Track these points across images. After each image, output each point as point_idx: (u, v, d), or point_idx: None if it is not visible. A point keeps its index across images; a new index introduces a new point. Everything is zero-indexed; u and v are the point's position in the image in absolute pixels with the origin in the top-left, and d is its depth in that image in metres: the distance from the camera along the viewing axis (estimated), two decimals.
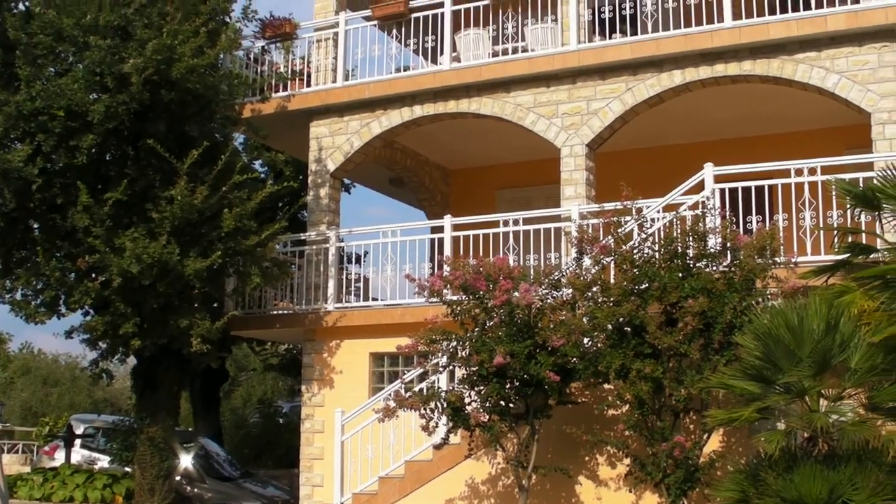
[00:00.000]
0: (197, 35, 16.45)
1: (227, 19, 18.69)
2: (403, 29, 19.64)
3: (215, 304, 18.58)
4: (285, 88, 20.05)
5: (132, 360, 18.37)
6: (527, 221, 16.92)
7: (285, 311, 19.28)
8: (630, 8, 17.79)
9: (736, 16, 16.82)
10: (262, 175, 25.33)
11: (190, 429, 27.01)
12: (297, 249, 19.44)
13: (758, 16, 16.87)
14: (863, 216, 12.96)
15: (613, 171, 17.36)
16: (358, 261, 23.31)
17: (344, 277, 19.49)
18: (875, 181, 12.37)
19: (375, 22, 19.98)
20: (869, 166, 14.87)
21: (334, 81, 19.85)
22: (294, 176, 25.47)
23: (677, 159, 18.97)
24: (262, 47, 20.72)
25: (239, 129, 19.12)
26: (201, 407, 26.47)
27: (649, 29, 17.53)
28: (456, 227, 17.59)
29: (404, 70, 20.31)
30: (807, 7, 16.58)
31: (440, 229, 17.84)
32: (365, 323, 18.22)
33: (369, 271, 19.27)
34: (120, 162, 16.53)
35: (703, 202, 14.60)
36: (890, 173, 11.98)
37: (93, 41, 15.63)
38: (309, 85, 20.15)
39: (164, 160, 15.95)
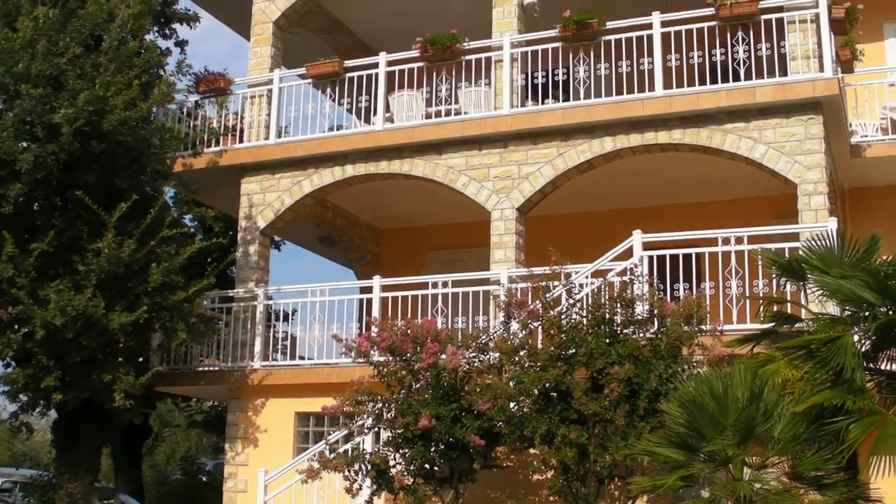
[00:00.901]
0: (130, 87, 16.39)
1: (162, 72, 18.60)
2: (338, 88, 19.65)
3: (140, 359, 18.32)
4: (218, 144, 19.96)
5: (53, 414, 18.06)
6: (456, 284, 16.95)
7: (211, 368, 19.07)
8: (563, 74, 17.97)
9: (667, 85, 17.07)
10: (192, 230, 25.19)
11: (110, 485, 26.51)
12: (225, 306, 19.25)
13: (688, 86, 17.12)
14: (788, 286, 13.12)
15: (544, 235, 17.41)
16: (286, 318, 23.16)
17: (271, 335, 19.33)
18: (800, 252, 12.54)
19: (310, 80, 19.98)
20: (795, 236, 15.12)
21: (267, 138, 19.79)
22: (224, 232, 25.34)
23: (607, 225, 19.10)
24: (196, 102, 20.65)
25: (169, 183, 18.95)
26: (123, 463, 25.99)
27: (581, 95, 17.72)
28: (385, 288, 17.56)
29: (338, 129, 20.31)
30: (736, 78, 16.86)
31: (369, 289, 17.79)
32: (291, 382, 18.06)
33: (297, 329, 19.18)
34: (47, 212, 16.35)
35: (632, 269, 14.71)
36: (815, 244, 12.15)
37: (24, 90, 15.49)
38: (241, 141, 20.06)
39: (93, 212, 15.79)
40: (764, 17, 16.89)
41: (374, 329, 14.65)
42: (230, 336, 18.93)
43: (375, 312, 17.15)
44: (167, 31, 23.55)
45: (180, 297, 16.70)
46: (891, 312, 10.78)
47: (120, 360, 16.73)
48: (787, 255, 13.53)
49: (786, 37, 16.89)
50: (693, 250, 15.44)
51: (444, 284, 16.98)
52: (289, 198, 19.38)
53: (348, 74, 19.43)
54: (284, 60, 21.11)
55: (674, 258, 15.34)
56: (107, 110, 15.80)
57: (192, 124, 20.46)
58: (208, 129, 20.10)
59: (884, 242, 11.97)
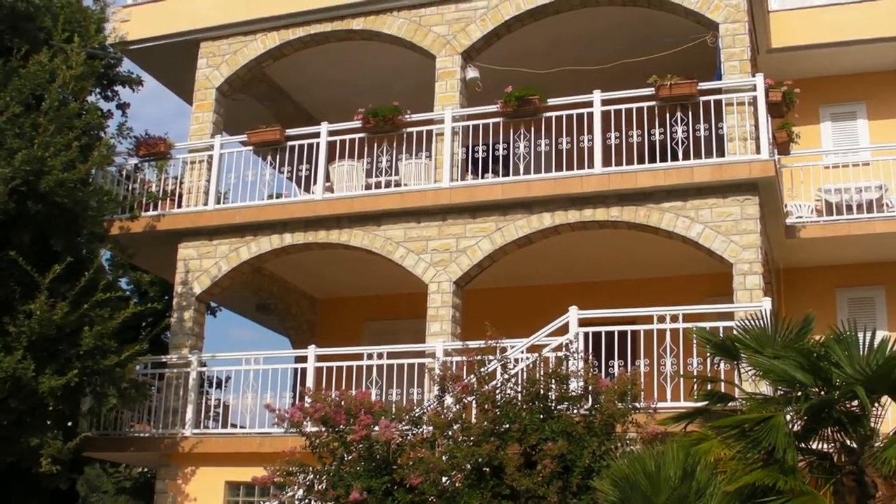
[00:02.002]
0: (69, 149, 16.27)
1: (102, 134, 18.53)
2: (279, 156, 19.64)
3: (69, 423, 18.02)
4: (156, 208, 19.80)
5: None
6: (391, 355, 16.89)
7: (141, 434, 18.79)
8: (503, 149, 18.08)
9: (606, 162, 17.24)
10: (127, 294, 24.94)
11: None
12: (158, 371, 19.03)
13: (627, 164, 17.29)
14: (722, 365, 13.16)
15: (481, 308, 17.46)
16: (220, 385, 22.93)
17: (204, 402, 19.11)
18: (734, 331, 12.60)
19: (251, 147, 19.96)
20: (730, 315, 15.22)
21: (206, 204, 19.68)
22: (159, 297, 25.10)
23: (544, 300, 19.11)
24: (136, 165, 20.50)
25: (105, 246, 18.76)
26: None
27: (521, 171, 17.83)
28: (320, 358, 17.45)
29: (277, 197, 20.26)
30: (674, 158, 17.06)
31: (304, 359, 17.66)
32: (222, 450, 17.82)
33: (230, 397, 18.98)
34: None
35: (567, 344, 14.71)
36: (749, 324, 12.22)
37: None
38: (180, 206, 19.92)
39: (26, 273, 15.57)
40: (703, 98, 17.16)
41: (307, 399, 14.50)
42: (162, 402, 18.68)
43: (310, 382, 17.02)
44: (109, 94, 23.59)
45: (112, 361, 16.46)
46: (823, 393, 10.83)
47: (48, 423, 16.44)
48: (721, 334, 13.59)
49: (724, 118, 17.15)
50: (629, 327, 15.51)
51: (380, 356, 16.91)
52: (226, 264, 19.26)
53: (289, 143, 19.43)
54: (227, 126, 21.13)
55: (609, 335, 15.39)
56: (45, 171, 15.67)
57: (130, 187, 20.31)
58: (147, 192, 19.96)
59: (817, 323, 12.06)
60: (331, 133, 19.10)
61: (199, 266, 19.44)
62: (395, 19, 19.73)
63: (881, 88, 21.21)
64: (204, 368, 19.15)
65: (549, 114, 17.82)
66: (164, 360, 19.14)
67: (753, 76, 17.23)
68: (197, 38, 21.20)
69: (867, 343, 10.68)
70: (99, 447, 18.92)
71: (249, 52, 20.80)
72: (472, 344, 14.93)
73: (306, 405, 14.27)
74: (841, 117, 21.39)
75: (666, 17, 18.55)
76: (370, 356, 17.02)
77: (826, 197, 19.59)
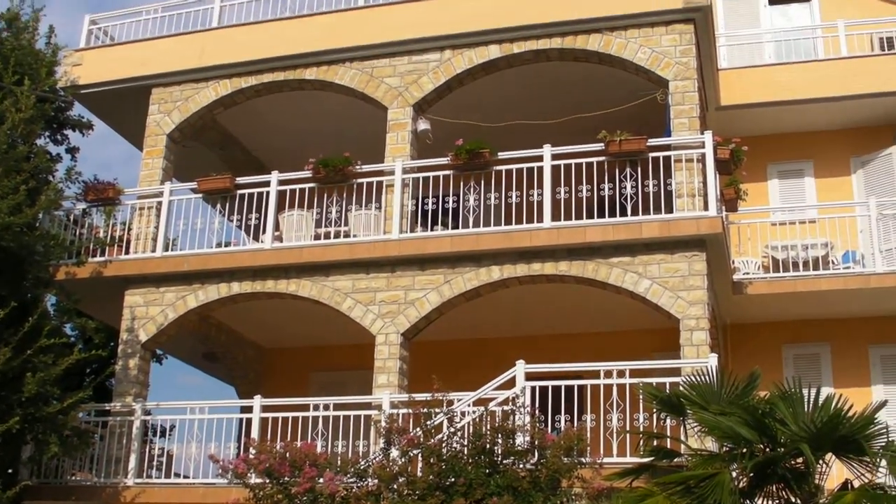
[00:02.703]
0: (17, 192, 16.14)
1: (50, 178, 18.39)
2: (228, 204, 19.57)
3: (9, 471, 17.73)
4: (103, 254, 19.61)
5: None
6: (337, 407, 16.78)
7: (83, 483, 18.51)
8: (453, 202, 18.11)
9: (555, 217, 17.31)
10: (72, 340, 24.65)
11: None
12: (101, 419, 18.77)
13: (576, 218, 17.40)
14: (668, 420, 13.20)
15: (429, 361, 17.39)
16: (164, 434, 22.69)
17: (147, 451, 18.88)
18: (681, 387, 12.65)
19: (201, 195, 19.87)
20: (676, 371, 15.29)
21: (154, 251, 19.52)
22: (104, 343, 24.85)
23: (492, 353, 19.12)
24: (84, 210, 20.31)
25: (51, 291, 18.59)
26: None
27: (470, 224, 17.87)
28: (266, 408, 17.31)
29: (226, 245, 20.16)
30: (623, 213, 17.16)
31: (250, 409, 17.51)
32: (165, 500, 17.55)
33: (174, 446, 18.76)
34: None
35: (514, 399, 14.71)
36: (695, 380, 12.27)
37: None
38: (128, 252, 19.76)
39: None
40: (652, 154, 17.29)
41: (252, 450, 14.39)
42: (105, 450, 18.41)
43: (255, 433, 16.87)
44: (59, 137, 23.43)
45: (55, 408, 16.27)
46: (768, 450, 10.90)
47: None
48: (667, 390, 13.63)
49: (672, 174, 17.28)
50: (575, 382, 15.51)
51: (326, 407, 16.81)
52: (172, 312, 19.09)
53: (240, 191, 19.35)
54: (177, 172, 21.04)
55: (556, 389, 15.38)
56: None
57: (78, 232, 20.12)
58: (94, 238, 19.79)
59: (763, 379, 12.15)
60: (281, 182, 19.07)
61: (146, 313, 19.27)
62: (347, 70, 19.79)
63: (827, 147, 21.53)
64: (148, 417, 18.96)
65: (499, 167, 17.90)
66: (107, 407, 18.88)
67: (702, 133, 17.38)
68: (149, 84, 21.14)
69: (812, 400, 10.78)
70: (39, 496, 18.55)
71: (201, 100, 20.76)
72: (419, 396, 14.89)
73: (251, 456, 14.17)
74: (788, 175, 21.66)
75: (617, 74, 18.73)
76: (316, 407, 16.90)
77: (773, 254, 19.79)
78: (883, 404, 11.23)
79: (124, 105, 21.47)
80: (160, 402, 19.10)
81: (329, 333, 20.83)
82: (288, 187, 19.02)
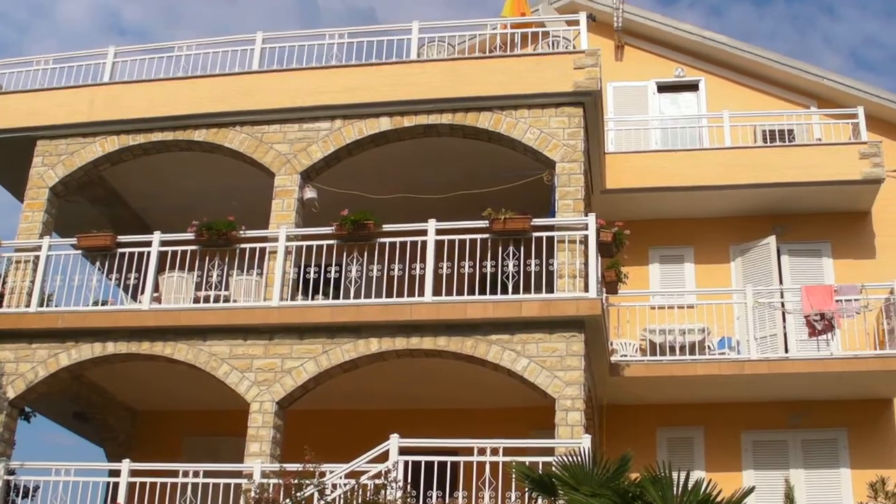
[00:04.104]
0: None
1: None
2: (108, 262, 19.24)
3: None
4: None
5: None
6: (208, 474, 16.47)
7: None
8: (335, 272, 18.05)
9: (437, 292, 17.31)
10: None
11: None
12: None
13: (458, 294, 17.40)
14: (540, 500, 13.20)
15: (304, 430, 17.25)
16: (27, 495, 22.04)
17: None
18: (553, 467, 12.67)
19: (81, 251, 19.53)
20: (551, 451, 15.31)
21: (28, 306, 19.06)
22: None
23: (368, 425, 18.97)
24: None
25: None
26: None
27: (352, 295, 17.80)
28: (135, 473, 16.93)
29: (103, 304, 19.78)
30: (504, 291, 17.22)
31: (118, 472, 17.11)
32: None
33: None
34: None
35: (386, 472, 14.63)
36: (568, 460, 12.30)
37: None
38: (0, 306, 19.33)
39: None
40: (535, 234, 17.43)
41: None
42: None
43: (121, 498, 16.48)
44: None
45: None
46: None
47: None
48: (540, 470, 13.66)
49: (555, 255, 17.43)
50: (449, 458, 15.46)
51: (196, 474, 16.48)
52: (44, 370, 18.64)
53: (120, 249, 19.04)
54: (58, 227, 20.63)
55: (430, 464, 15.32)
56: None
57: None
58: None
59: (637, 462, 12.21)
60: (163, 243, 18.82)
61: (16, 370, 18.77)
62: (237, 134, 19.69)
63: (707, 234, 21.97)
64: (12, 477, 18.41)
65: (383, 239, 17.90)
66: None
67: (586, 215, 17.58)
68: (34, 136, 20.72)
69: (682, 484, 10.85)
70: None
71: (88, 155, 20.44)
72: (290, 467, 14.73)
73: None
74: (669, 260, 22.03)
75: (505, 152, 18.89)
76: (186, 474, 16.56)
77: (651, 337, 20.05)
78: (751, 490, 11.38)
79: (6, 156, 21.06)
80: (25, 461, 18.57)
81: (205, 398, 20.47)
82: (170, 248, 18.77)
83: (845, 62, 64.32)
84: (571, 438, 15.78)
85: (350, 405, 20.47)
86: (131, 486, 16.82)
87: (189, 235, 18.66)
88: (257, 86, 19.93)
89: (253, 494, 14.22)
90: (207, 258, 18.75)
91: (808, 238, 21.87)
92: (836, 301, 19.31)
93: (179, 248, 18.70)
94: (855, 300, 19.41)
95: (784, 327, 20.44)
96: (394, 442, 15.32)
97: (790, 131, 22.82)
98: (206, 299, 18.71)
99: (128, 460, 17.21)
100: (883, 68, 65.46)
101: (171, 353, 18.11)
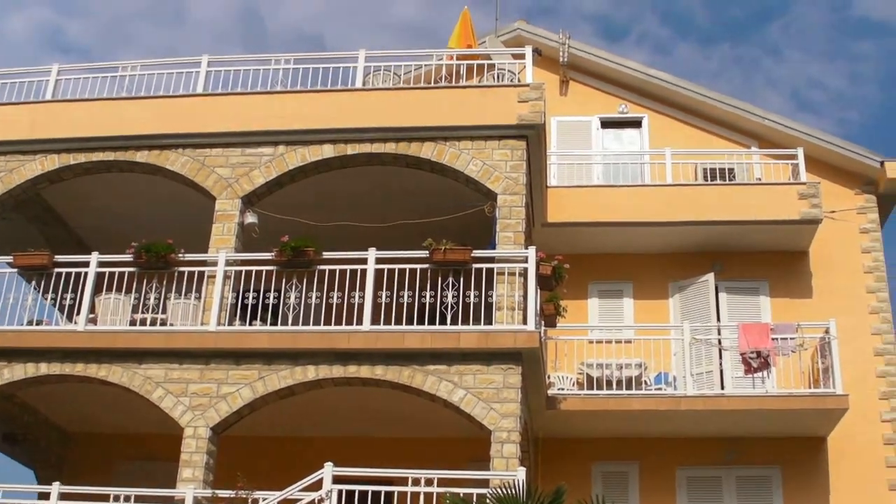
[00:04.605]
0: None
1: None
2: (45, 281, 19.02)
3: None
4: None
5: None
6: (139, 499, 16.29)
7: None
8: (274, 298, 17.94)
9: (375, 321, 17.25)
10: None
11: None
12: None
13: (396, 323, 17.34)
14: None
15: (238, 457, 17.17)
16: None
17: None
18: (488, 499, 12.70)
19: (17, 269, 19.28)
20: (486, 483, 15.31)
21: None
22: None
23: (303, 453, 18.94)
24: None
25: None
26: None
27: (290, 321, 17.70)
28: (64, 496, 16.62)
29: (38, 324, 19.54)
30: (443, 322, 17.22)
31: (48, 496, 16.86)
32: None
33: None
34: None
35: (320, 501, 14.56)
36: (502, 492, 12.33)
37: None
38: None
39: None
40: (475, 265, 17.44)
41: None
42: None
43: None
44: None
45: None
46: None
47: None
48: (475, 501, 13.66)
49: (494, 287, 17.44)
50: (384, 488, 15.35)
51: (127, 499, 16.28)
52: None
53: (57, 269, 18.80)
54: None
55: (363, 494, 15.23)
56: None
57: None
58: None
59: (572, 494, 12.28)
60: (101, 264, 18.62)
61: None
62: (179, 156, 19.56)
63: (646, 270, 22.13)
64: None
65: (322, 267, 17.83)
66: None
67: (526, 248, 17.65)
68: None
69: None
70: None
71: (26, 172, 20.19)
72: (223, 493, 14.63)
73: None
74: (608, 295, 22.15)
75: (448, 183, 18.93)
76: (117, 498, 16.35)
77: (588, 371, 20.12)
78: None
79: None
80: None
81: (139, 422, 20.25)
82: (107, 270, 18.56)
83: (788, 103, 65.21)
84: (506, 470, 15.76)
85: (286, 433, 20.35)
86: None
87: (127, 257, 18.49)
88: (201, 109, 19.85)
89: None
90: (145, 281, 18.56)
91: (747, 276, 22.08)
92: (773, 339, 19.50)
93: (117, 270, 18.51)
94: (791, 339, 19.62)
95: (720, 364, 20.61)
96: (328, 470, 15.23)
97: (731, 170, 23.02)
98: (143, 322, 18.51)
99: (58, 483, 16.95)
100: (824, 110, 66.43)
101: (105, 376, 17.90)
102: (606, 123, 24.63)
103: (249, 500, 14.22)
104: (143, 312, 18.57)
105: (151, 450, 20.80)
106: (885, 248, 22.52)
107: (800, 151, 22.28)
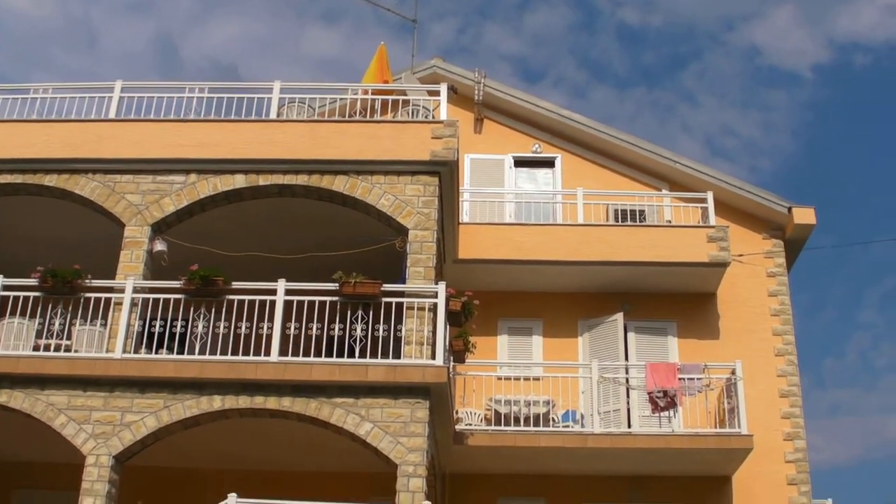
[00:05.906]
0: None
1: None
2: None
3: None
4: None
5: None
6: None
7: None
8: (181, 326, 17.75)
9: (283, 352, 17.15)
10: None
11: None
12: None
13: (304, 355, 17.25)
14: None
15: (142, 486, 16.93)
16: None
17: None
18: None
19: None
20: None
21: None
22: None
23: (208, 484, 18.77)
24: None
25: None
26: None
27: (196, 350, 17.53)
28: None
29: None
30: (351, 355, 17.17)
31: None
32: None
33: None
34: None
35: None
36: None
37: None
38: None
39: None
40: (385, 299, 17.43)
41: None
42: None
43: None
44: None
45: None
46: None
47: None
48: None
49: (403, 321, 17.44)
50: None
51: None
52: None
53: None
54: None
55: None
56: None
57: None
58: None
59: None
60: (4, 287, 18.23)
61: None
62: (88, 181, 19.32)
63: (556, 308, 22.34)
64: None
65: (231, 296, 17.68)
66: None
67: (436, 283, 17.68)
68: None
69: None
70: None
71: None
72: None
73: None
74: (518, 332, 22.30)
75: (360, 217, 18.93)
76: None
77: (496, 407, 20.20)
78: None
79: None
80: None
81: (40, 450, 19.89)
82: (11, 293, 18.21)
83: (702, 150, 66.35)
84: None
85: (190, 463, 20.08)
86: None
87: (33, 281, 18.18)
88: (113, 134, 19.64)
89: None
90: (51, 306, 18.26)
91: (655, 317, 22.37)
92: (679, 379, 19.73)
93: (22, 294, 18.16)
94: (697, 379, 19.87)
95: (628, 403, 20.81)
96: (231, 502, 15.09)
97: (642, 212, 23.35)
98: (48, 348, 18.18)
99: None
100: (736, 156, 67.64)
101: (6, 401, 17.50)
102: (520, 162, 24.86)
103: None
104: (47, 338, 18.24)
105: (52, 479, 20.48)
106: (792, 293, 22.97)
107: (709, 195, 22.66)
